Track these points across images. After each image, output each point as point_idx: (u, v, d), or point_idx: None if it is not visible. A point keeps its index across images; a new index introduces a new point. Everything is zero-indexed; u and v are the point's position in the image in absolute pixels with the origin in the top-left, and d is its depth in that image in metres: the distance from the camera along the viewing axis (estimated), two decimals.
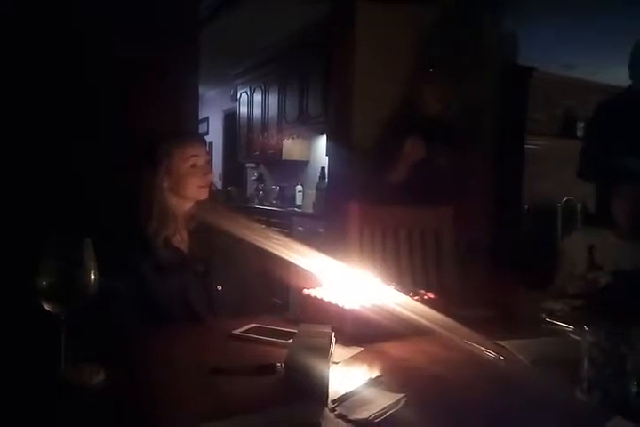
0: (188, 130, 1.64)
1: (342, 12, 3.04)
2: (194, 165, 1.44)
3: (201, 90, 2.69)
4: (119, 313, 1.29)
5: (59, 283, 0.84)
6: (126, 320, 1.29)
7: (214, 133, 7.13)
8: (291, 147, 4.97)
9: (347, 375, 0.95)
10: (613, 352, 0.81)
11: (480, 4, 3.11)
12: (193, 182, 1.44)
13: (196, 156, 1.45)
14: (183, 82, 2.27)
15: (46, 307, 0.84)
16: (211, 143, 7.07)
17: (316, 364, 0.85)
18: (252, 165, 6.07)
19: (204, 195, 1.48)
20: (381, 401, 0.81)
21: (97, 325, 1.11)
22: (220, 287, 1.44)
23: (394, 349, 1.09)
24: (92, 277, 0.86)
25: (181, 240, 1.46)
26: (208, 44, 2.77)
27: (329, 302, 1.18)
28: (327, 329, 1.00)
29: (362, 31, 2.91)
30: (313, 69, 4.24)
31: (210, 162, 1.55)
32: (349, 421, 0.76)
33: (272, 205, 5.13)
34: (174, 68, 2.20)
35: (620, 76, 5.05)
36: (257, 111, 5.42)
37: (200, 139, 1.56)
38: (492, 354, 1.05)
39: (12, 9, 1.88)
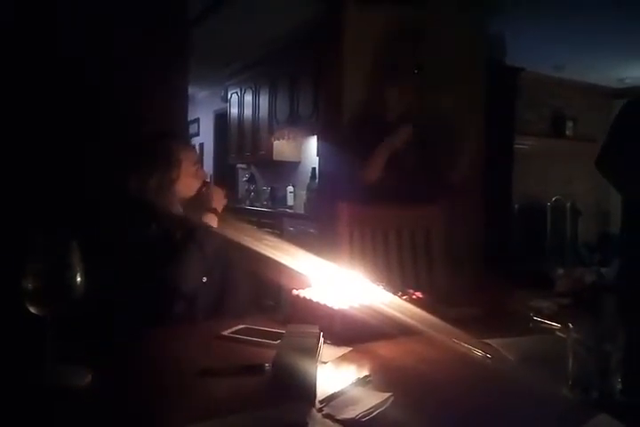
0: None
1: (331, 13, 3.05)
2: (197, 169, 1.57)
3: (191, 91, 2.69)
4: (122, 310, 1.34)
5: (45, 285, 0.84)
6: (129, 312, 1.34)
7: (205, 134, 7.12)
8: (281, 147, 4.97)
9: (335, 375, 0.96)
10: (597, 350, 0.82)
11: (467, 5, 3.13)
12: (195, 185, 1.56)
13: (198, 162, 1.60)
14: (173, 83, 2.26)
15: (32, 309, 0.84)
16: (202, 144, 7.05)
17: (304, 364, 0.85)
18: (243, 165, 6.06)
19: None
20: (369, 400, 0.81)
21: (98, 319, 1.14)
22: (205, 279, 1.47)
23: (382, 348, 1.09)
24: (79, 279, 0.86)
25: (173, 234, 1.48)
26: (198, 45, 2.77)
27: (318, 303, 1.18)
28: (315, 329, 1.01)
29: (350, 32, 2.92)
30: (303, 70, 4.25)
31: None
32: (337, 420, 0.76)
33: (263, 206, 5.13)
34: (164, 70, 2.20)
35: (608, 77, 5.12)
36: (248, 112, 5.42)
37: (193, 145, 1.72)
38: (479, 353, 1.06)
39: (12, 15, 1.89)
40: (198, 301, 1.46)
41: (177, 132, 2.21)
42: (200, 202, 1.56)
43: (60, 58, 1.95)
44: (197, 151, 1.69)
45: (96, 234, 0.98)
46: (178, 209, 1.54)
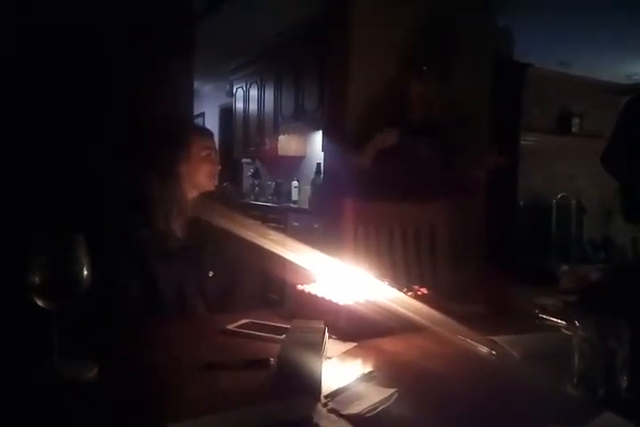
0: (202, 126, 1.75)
1: (337, 6, 3.03)
2: (208, 155, 1.53)
3: (197, 85, 2.68)
4: (124, 301, 1.35)
5: (51, 279, 0.84)
6: (130, 308, 1.35)
7: (210, 129, 7.09)
8: (286, 142, 4.96)
9: (339, 370, 0.96)
10: (603, 347, 0.82)
11: (475, 1, 3.11)
12: (206, 171, 1.52)
13: (210, 148, 1.55)
14: (178, 77, 2.26)
15: (39, 303, 0.84)
16: None
17: (309, 359, 0.85)
18: (248, 160, 6.05)
19: (211, 185, 1.56)
20: (373, 396, 0.81)
21: (100, 314, 1.14)
22: (211, 273, 1.48)
23: (387, 344, 1.09)
24: (85, 272, 0.86)
25: (180, 229, 1.49)
26: (204, 39, 2.76)
27: (323, 298, 1.18)
28: (320, 324, 1.01)
29: (356, 26, 2.90)
30: (309, 64, 4.23)
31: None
32: (341, 415, 0.76)
33: (268, 201, 5.13)
34: (168, 64, 2.19)
35: (615, 73, 5.08)
36: (253, 107, 5.41)
37: (212, 135, 1.64)
38: (484, 349, 1.06)
39: (12, 13, 1.89)
40: (206, 295, 1.46)
41: (188, 118, 2.22)
42: (213, 197, 1.55)
43: (61, 53, 1.94)
44: (214, 138, 1.64)
45: (94, 234, 0.96)
46: (186, 203, 1.50)
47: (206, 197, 1.55)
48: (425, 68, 2.53)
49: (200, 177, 1.51)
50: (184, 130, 1.57)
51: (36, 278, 0.83)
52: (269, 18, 4.01)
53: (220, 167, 1.58)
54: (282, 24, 4.15)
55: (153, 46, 2.12)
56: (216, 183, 1.57)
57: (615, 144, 2.25)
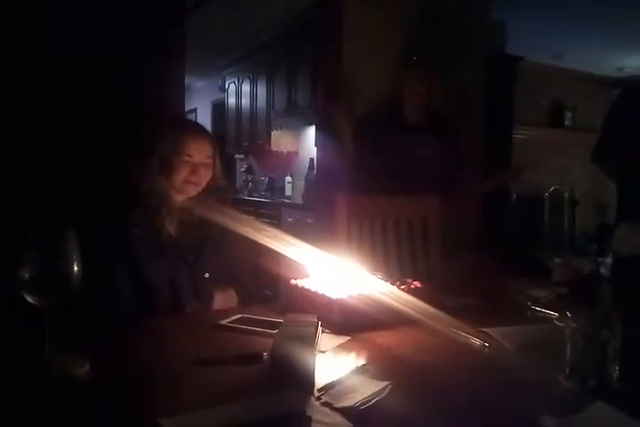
0: (199, 127, 1.59)
1: (331, 1, 3.02)
2: (185, 162, 1.42)
3: (188, 80, 2.66)
4: (113, 300, 1.33)
5: (41, 275, 0.83)
6: (120, 307, 1.33)
7: (209, 133, 7.05)
8: (279, 138, 4.95)
9: (333, 364, 0.96)
10: (595, 338, 0.83)
11: None
12: (180, 175, 1.43)
13: (190, 155, 1.42)
14: (169, 73, 2.24)
15: (29, 299, 0.84)
16: None
17: (302, 353, 0.85)
18: (241, 156, 6.04)
19: (190, 191, 1.46)
20: (367, 389, 0.82)
21: (90, 312, 1.13)
22: (207, 275, 1.46)
23: (380, 337, 1.09)
24: (75, 268, 0.86)
25: (174, 229, 1.46)
26: (195, 34, 2.74)
27: (316, 292, 1.18)
28: (313, 319, 1.01)
29: (350, 21, 2.89)
30: (302, 59, 4.21)
31: (213, 163, 1.49)
32: (335, 409, 0.77)
33: (261, 197, 5.12)
34: (160, 59, 2.18)
35: (607, 66, 5.09)
36: (245, 102, 5.38)
37: (205, 139, 1.50)
38: (477, 342, 1.06)
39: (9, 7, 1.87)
40: (201, 295, 1.45)
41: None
42: (206, 195, 1.49)
43: (56, 51, 1.92)
44: (208, 144, 1.48)
45: (85, 231, 0.95)
46: (174, 201, 1.46)
47: (200, 194, 1.50)
48: (421, 63, 2.51)
49: (174, 180, 1.43)
50: (163, 129, 1.47)
51: (26, 274, 0.82)
52: (262, 13, 3.99)
53: (202, 174, 1.44)
54: (275, 19, 4.12)
55: (145, 44, 2.10)
56: (193, 192, 1.46)
57: (606, 139, 2.24)
